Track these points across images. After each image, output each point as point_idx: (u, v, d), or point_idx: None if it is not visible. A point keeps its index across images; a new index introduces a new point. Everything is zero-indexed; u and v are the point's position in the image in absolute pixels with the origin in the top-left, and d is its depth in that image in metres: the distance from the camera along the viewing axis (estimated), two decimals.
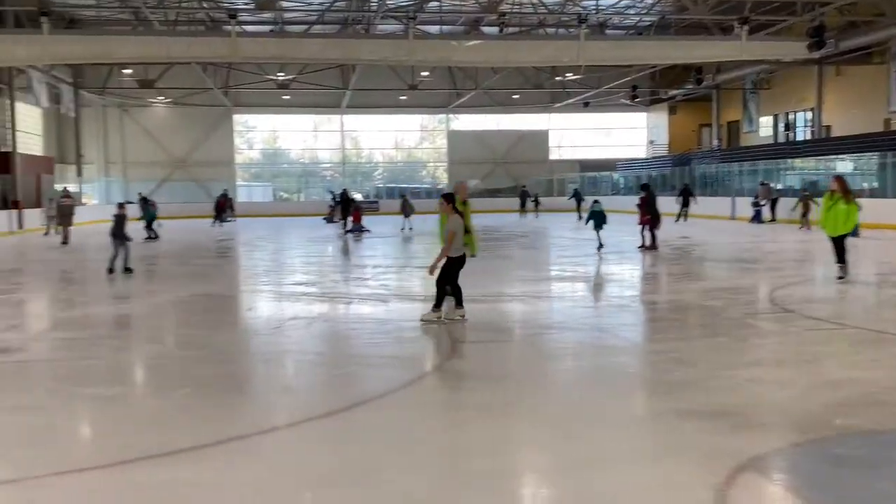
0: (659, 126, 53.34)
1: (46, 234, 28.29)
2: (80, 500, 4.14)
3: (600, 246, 18.30)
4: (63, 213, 24.58)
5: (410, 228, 28.66)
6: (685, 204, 31.41)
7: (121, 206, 15.04)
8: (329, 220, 34.93)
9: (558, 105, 50.20)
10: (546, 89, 49.00)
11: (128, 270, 14.52)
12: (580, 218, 29.73)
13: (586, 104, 48.10)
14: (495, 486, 4.30)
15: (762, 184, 32.38)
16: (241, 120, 52.38)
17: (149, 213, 25.91)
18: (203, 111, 49.05)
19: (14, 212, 31.57)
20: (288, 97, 48.22)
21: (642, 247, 18.42)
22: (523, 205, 41.57)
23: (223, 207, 33.78)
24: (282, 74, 43.88)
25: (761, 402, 5.87)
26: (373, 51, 27.13)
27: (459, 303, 9.24)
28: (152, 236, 24.90)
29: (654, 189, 19.89)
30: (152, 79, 42.19)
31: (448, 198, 9.36)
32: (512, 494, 4.29)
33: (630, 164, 51.58)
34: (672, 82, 46.47)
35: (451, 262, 9.03)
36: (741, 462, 4.49)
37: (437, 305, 9.11)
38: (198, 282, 14.42)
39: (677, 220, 30.36)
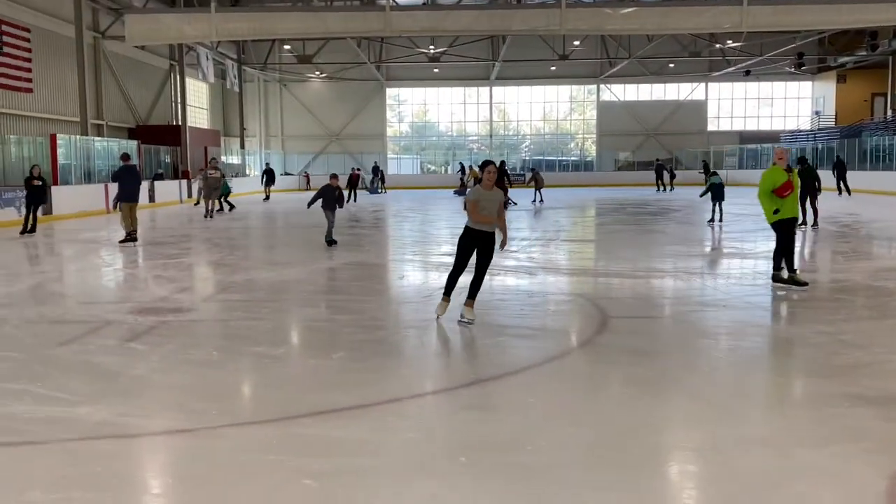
0: (826, 96, 50.05)
1: (196, 204, 29.94)
2: (250, 451, 4.39)
3: (711, 220, 18.81)
4: (210, 185, 24.27)
5: (541, 201, 28.66)
6: (840, 178, 29.53)
7: (333, 176, 15.36)
8: (459, 192, 35.20)
9: (717, 74, 48.12)
10: (704, 57, 47.02)
11: (331, 242, 14.86)
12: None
13: (747, 73, 45.81)
14: (646, 463, 4.22)
15: None
16: (392, 94, 53.48)
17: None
18: (357, 85, 50.44)
19: (183, 182, 33.77)
20: (437, 70, 48.77)
21: (804, 223, 17.50)
22: (660, 177, 40.33)
23: (356, 181, 34.60)
24: (433, 48, 44.42)
25: None
26: (524, 21, 26.90)
27: (471, 295, 7.84)
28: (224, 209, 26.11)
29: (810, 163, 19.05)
30: (310, 54, 43.84)
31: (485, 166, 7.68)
32: (664, 473, 4.20)
33: (794, 135, 48.77)
34: (842, 48, 43.47)
35: (464, 231, 7.85)
36: None
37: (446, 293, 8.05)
38: (350, 251, 14.90)
39: (840, 194, 28.79)
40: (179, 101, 37.05)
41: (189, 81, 38.31)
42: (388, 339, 7.40)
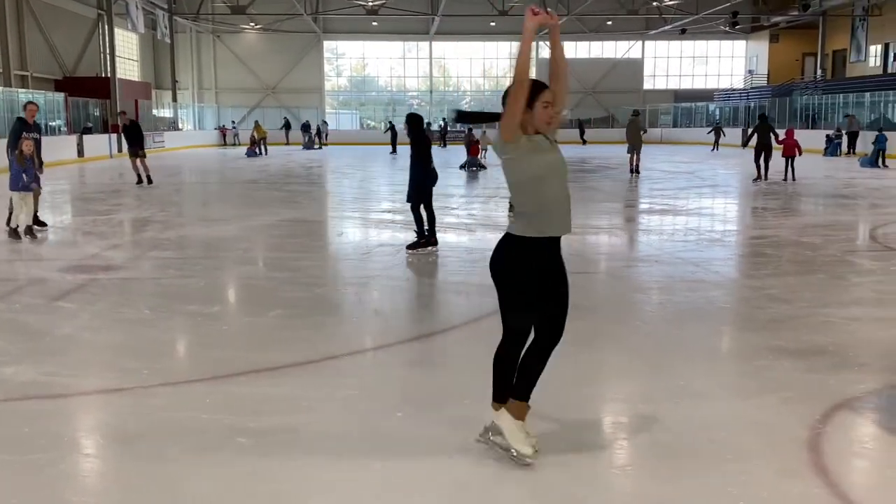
0: (759, 55, 50.99)
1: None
2: (183, 410, 4.34)
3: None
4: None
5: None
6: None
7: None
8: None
9: (653, 32, 48.49)
10: (641, 15, 47.27)
11: None
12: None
13: (683, 31, 46.25)
14: (580, 414, 4.32)
15: (847, 116, 31.30)
16: (330, 47, 52.56)
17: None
18: (293, 37, 49.37)
19: (113, 135, 32.74)
20: (376, 23, 48.00)
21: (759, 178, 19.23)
22: (582, 134, 43.20)
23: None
24: (371, 0, 43.63)
25: (859, 341, 5.68)
26: None
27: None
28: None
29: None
30: (244, 5, 42.57)
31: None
32: (597, 423, 4.30)
33: (727, 94, 49.63)
34: (775, 8, 44.23)
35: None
36: (838, 401, 4.37)
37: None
38: (287, 207, 14.71)
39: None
40: (108, 52, 35.75)
41: (118, 32, 36.96)
42: (326, 297, 7.36)
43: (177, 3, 45.28)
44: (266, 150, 36.01)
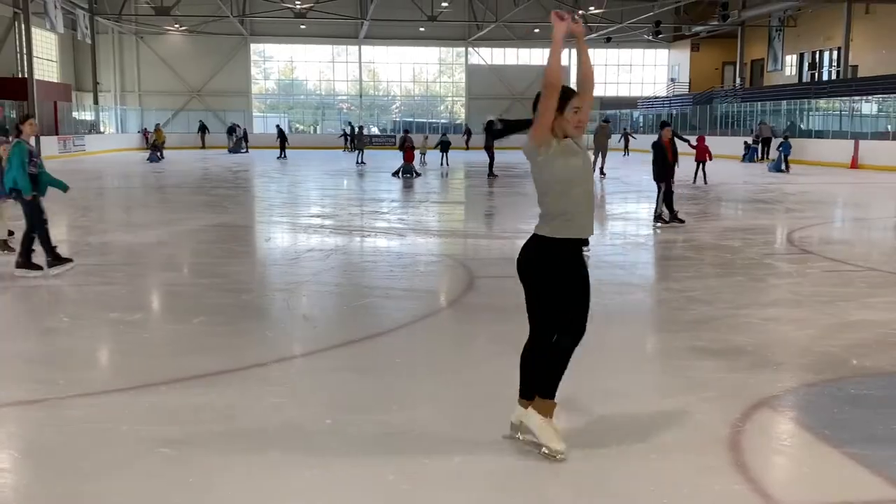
0: (681, 64, 52.40)
1: None
2: (102, 421, 4.21)
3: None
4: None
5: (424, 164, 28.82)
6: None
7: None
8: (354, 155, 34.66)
9: None
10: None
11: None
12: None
13: (608, 39, 47.18)
14: (507, 416, 4.34)
15: (762, 123, 32.71)
16: (257, 49, 51.89)
17: None
18: (219, 40, 48.58)
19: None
20: (304, 27, 47.58)
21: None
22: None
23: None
24: (299, 3, 43.21)
25: (778, 341, 5.86)
26: None
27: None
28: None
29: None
30: (168, 5, 41.63)
31: None
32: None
33: (651, 102, 50.82)
34: (696, 18, 45.47)
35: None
36: (757, 400, 4.51)
37: None
38: (214, 212, 14.44)
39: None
40: (25, 52, 34.48)
41: (36, 31, 35.70)
42: (253, 303, 7.24)
43: (98, 2, 44.04)
44: (163, 154, 34.09)
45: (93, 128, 42.74)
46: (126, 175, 25.62)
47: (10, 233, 9.71)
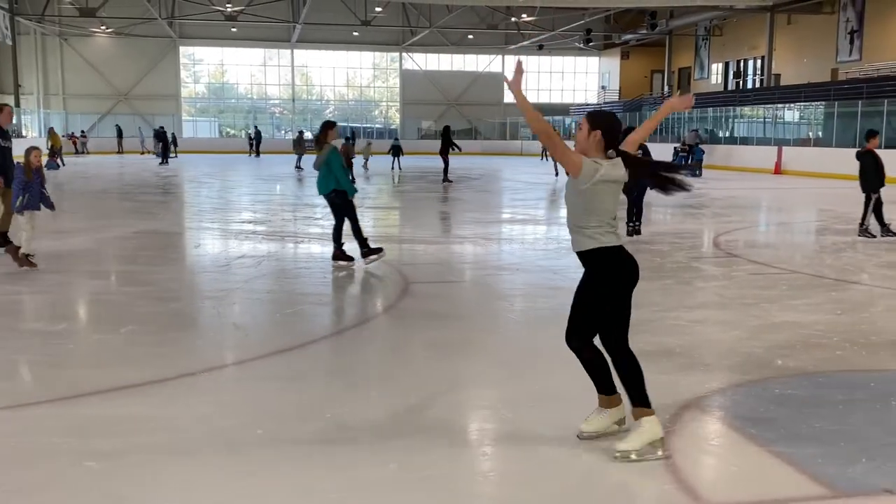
0: (611, 71, 53.42)
1: None
2: (25, 435, 4.05)
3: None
4: None
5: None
6: None
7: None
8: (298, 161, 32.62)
9: (512, 47, 49.81)
10: (500, 30, 48.49)
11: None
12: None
13: (540, 47, 47.84)
14: (445, 422, 4.34)
15: (693, 130, 33.69)
16: (186, 52, 50.95)
17: None
18: (147, 42, 47.57)
19: None
20: (235, 30, 46.93)
21: None
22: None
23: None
24: (229, 5, 42.57)
25: (706, 343, 6.01)
26: None
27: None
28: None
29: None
30: (94, 7, 40.54)
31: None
32: (462, 430, 4.33)
33: (583, 108, 51.61)
34: (626, 27, 46.42)
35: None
36: (685, 400, 4.60)
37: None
38: (142, 218, 14.10)
39: None
40: None
41: None
42: (182, 311, 7.08)
43: (19, 3, 42.62)
44: (63, 161, 32.01)
45: (15, 132, 41.31)
46: (49, 180, 24.80)
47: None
